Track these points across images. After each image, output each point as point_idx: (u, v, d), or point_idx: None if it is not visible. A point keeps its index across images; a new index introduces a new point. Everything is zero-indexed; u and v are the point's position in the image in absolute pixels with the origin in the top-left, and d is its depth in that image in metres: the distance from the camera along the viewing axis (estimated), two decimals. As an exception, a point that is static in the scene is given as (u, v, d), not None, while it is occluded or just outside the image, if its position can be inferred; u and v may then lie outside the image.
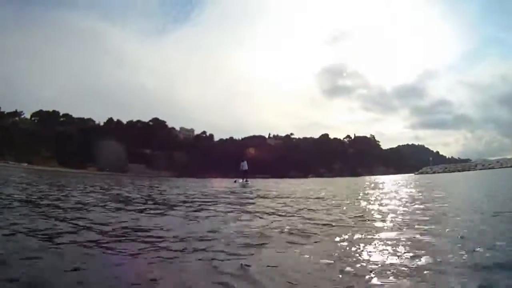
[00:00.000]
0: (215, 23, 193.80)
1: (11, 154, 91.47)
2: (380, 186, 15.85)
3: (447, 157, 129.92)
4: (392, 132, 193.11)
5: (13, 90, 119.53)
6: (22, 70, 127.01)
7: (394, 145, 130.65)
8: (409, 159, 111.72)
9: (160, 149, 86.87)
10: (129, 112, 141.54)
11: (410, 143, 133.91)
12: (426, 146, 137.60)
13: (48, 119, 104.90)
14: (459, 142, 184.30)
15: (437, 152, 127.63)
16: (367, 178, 52.60)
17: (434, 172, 68.74)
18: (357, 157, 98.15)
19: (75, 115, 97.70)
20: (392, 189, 12.12)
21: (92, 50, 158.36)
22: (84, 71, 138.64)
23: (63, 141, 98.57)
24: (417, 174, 72.16)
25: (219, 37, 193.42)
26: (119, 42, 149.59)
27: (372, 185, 17.56)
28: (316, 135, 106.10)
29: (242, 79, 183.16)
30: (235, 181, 22.28)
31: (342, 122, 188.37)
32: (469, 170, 63.18)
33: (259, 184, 21.22)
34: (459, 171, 65.58)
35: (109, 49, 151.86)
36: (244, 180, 22.11)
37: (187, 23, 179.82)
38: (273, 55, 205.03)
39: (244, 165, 22.63)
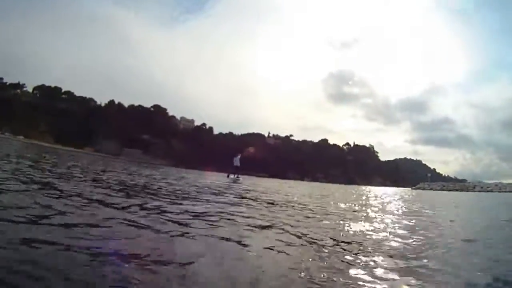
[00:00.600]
0: (227, 17, 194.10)
1: (9, 126, 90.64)
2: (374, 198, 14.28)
3: (443, 175, 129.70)
4: (391, 144, 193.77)
5: (22, 66, 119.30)
6: (33, 47, 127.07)
7: (392, 158, 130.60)
8: (406, 173, 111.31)
9: (159, 136, 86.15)
10: (133, 97, 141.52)
11: (408, 157, 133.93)
12: (423, 162, 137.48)
13: (49, 94, 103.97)
14: (457, 162, 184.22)
15: (434, 169, 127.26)
16: (363, 187, 51.84)
17: (431, 189, 68.18)
18: (355, 165, 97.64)
19: (78, 94, 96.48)
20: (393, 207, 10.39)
21: (103, 34, 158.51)
22: (93, 54, 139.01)
23: (62, 118, 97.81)
24: (414, 189, 71.63)
25: (230, 32, 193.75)
26: (131, 29, 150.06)
27: (366, 195, 16.50)
28: (317, 138, 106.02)
29: (248, 75, 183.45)
30: (228, 176, 22.02)
31: (343, 129, 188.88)
32: (467, 191, 62.59)
33: (249, 182, 20.35)
34: (457, 190, 65.07)
35: (120, 35, 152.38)
36: (235, 175, 21.73)
37: (200, 14, 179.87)
38: (282, 55, 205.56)
39: (237, 161, 21.97)
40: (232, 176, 21.88)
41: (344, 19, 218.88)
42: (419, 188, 72.30)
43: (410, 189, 76.16)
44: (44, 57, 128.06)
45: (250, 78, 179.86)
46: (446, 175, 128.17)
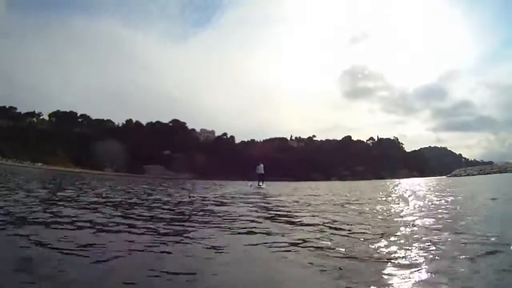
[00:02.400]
0: (236, 27, 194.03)
1: (26, 154, 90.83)
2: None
3: (469, 159, 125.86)
4: (413, 134, 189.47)
5: (35, 93, 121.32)
6: (44, 73, 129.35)
7: (416, 148, 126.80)
8: (432, 162, 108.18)
9: (180, 151, 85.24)
10: (150, 115, 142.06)
11: (432, 145, 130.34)
12: (449, 148, 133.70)
13: (65, 120, 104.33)
14: (481, 144, 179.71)
15: (460, 155, 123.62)
16: (396, 181, 49.52)
17: (468, 175, 65.52)
18: (381, 159, 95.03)
19: (94, 117, 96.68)
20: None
21: (114, 55, 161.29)
22: (106, 75, 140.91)
23: (79, 142, 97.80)
24: (449, 176, 68.92)
25: (240, 40, 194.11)
26: (141, 47, 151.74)
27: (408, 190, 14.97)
28: (338, 137, 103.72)
29: (263, 82, 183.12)
30: (250, 185, 21.56)
31: (363, 125, 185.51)
32: (505, 172, 60.73)
33: (275, 188, 19.32)
34: (495, 172, 62.83)
35: (131, 54, 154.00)
36: (259, 183, 21.23)
37: (208, 27, 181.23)
38: (294, 58, 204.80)
39: (260, 169, 21.48)
40: (256, 184, 21.46)
41: (352, 13, 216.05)
42: (455, 175, 69.53)
43: (445, 177, 73.49)
44: (58, 84, 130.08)
45: (266, 84, 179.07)
46: (472, 159, 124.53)
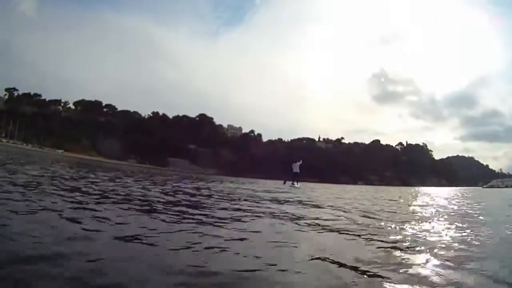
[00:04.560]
0: (267, 27, 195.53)
1: (49, 141, 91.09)
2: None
3: (496, 171, 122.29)
4: (441, 142, 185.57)
5: (65, 84, 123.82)
6: (74, 65, 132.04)
7: (443, 156, 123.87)
8: (460, 172, 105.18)
9: (206, 145, 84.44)
10: (177, 110, 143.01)
11: (460, 154, 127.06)
12: (476, 158, 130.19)
13: (90, 109, 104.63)
14: (507, 156, 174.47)
15: (487, 166, 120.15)
16: (424, 189, 46.92)
17: (506, 186, 63.20)
18: (409, 166, 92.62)
19: (123, 109, 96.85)
20: None
21: (144, 50, 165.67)
22: (135, 70, 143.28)
23: (104, 131, 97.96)
24: (485, 187, 66.64)
25: (271, 40, 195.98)
26: (172, 44, 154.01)
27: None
28: (366, 141, 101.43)
29: (292, 81, 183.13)
30: (284, 183, 20.93)
31: (391, 130, 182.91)
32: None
33: (311, 189, 17.96)
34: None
35: (162, 50, 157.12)
36: (293, 182, 20.15)
37: (240, 26, 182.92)
38: (324, 59, 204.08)
39: (296, 167, 20.38)
40: (290, 183, 20.16)
41: (383, 14, 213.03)
42: (492, 187, 67.34)
43: (481, 188, 71.02)
44: (87, 76, 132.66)
45: (294, 83, 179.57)
46: (499, 170, 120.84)
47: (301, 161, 20.91)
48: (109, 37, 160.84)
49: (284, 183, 20.90)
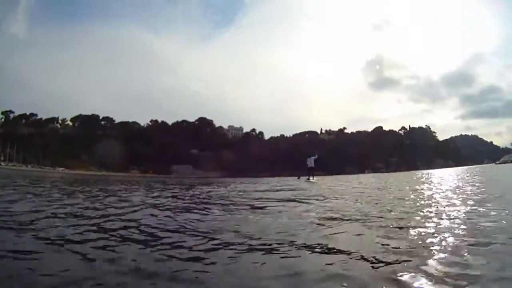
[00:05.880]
0: (259, 25, 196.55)
1: (49, 159, 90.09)
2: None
3: (501, 147, 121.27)
4: (442, 123, 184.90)
5: (60, 101, 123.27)
6: (68, 81, 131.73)
7: (446, 137, 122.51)
8: (465, 151, 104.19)
9: (208, 149, 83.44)
10: (176, 116, 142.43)
11: (463, 133, 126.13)
12: (479, 136, 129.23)
13: (88, 124, 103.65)
14: (510, 131, 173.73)
15: (491, 142, 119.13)
16: (435, 171, 45.63)
17: None
18: (414, 149, 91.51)
19: (120, 121, 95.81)
20: None
21: (138, 59, 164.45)
22: (130, 80, 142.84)
23: (103, 144, 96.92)
24: (498, 163, 65.64)
25: (264, 38, 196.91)
26: (165, 50, 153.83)
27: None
28: (368, 129, 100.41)
29: (289, 78, 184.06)
30: (298, 178, 20.99)
31: (391, 115, 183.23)
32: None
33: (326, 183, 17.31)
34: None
35: (155, 58, 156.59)
36: (309, 177, 20.00)
37: (231, 27, 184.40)
38: (318, 52, 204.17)
39: (311, 162, 20.39)
40: (305, 178, 20.30)
41: (374, 2, 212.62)
42: (505, 162, 66.40)
43: (493, 164, 70.00)
44: (82, 90, 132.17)
45: (291, 79, 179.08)
46: (504, 146, 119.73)
47: (316, 156, 20.98)
48: (102, 49, 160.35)
49: (298, 178, 20.61)
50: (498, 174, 18.44)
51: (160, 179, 39.35)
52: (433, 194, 7.24)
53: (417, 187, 10.14)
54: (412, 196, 6.80)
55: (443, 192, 7.62)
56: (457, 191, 7.56)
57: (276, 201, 6.63)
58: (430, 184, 11.26)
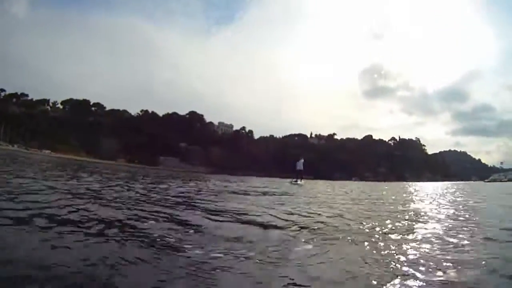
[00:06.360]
0: (258, 25, 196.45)
1: (36, 141, 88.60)
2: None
3: (489, 165, 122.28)
4: (433, 137, 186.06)
5: (55, 84, 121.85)
6: (65, 66, 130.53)
7: (435, 151, 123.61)
8: (453, 166, 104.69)
9: (196, 143, 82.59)
10: (169, 108, 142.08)
11: (452, 149, 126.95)
12: (468, 153, 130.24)
13: (78, 109, 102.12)
14: (500, 150, 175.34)
15: (479, 160, 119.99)
16: (422, 184, 45.13)
17: (509, 180, 62.05)
18: (403, 161, 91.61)
19: (112, 108, 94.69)
20: None
21: (136, 50, 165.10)
22: (127, 69, 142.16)
23: (93, 130, 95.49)
24: (487, 182, 65.48)
25: (262, 38, 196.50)
26: (163, 42, 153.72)
27: None
28: (358, 137, 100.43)
29: (284, 79, 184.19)
30: (291, 182, 20.71)
31: (382, 125, 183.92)
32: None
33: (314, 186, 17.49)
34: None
35: (153, 49, 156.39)
36: (297, 180, 20.38)
37: (231, 25, 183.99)
38: (315, 55, 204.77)
39: (300, 165, 20.94)
40: (294, 180, 20.51)
41: (373, 10, 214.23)
42: (494, 181, 66.18)
43: (482, 182, 69.86)
44: (77, 75, 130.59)
45: (286, 80, 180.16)
46: (492, 165, 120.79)
47: (302, 159, 21.44)
48: (100, 36, 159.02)
49: (291, 183, 20.23)
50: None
51: (145, 170, 38.36)
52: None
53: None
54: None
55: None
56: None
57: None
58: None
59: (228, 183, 13.58)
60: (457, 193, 11.78)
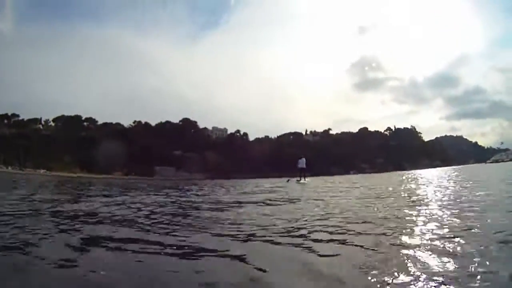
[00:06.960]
0: (244, 27, 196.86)
1: (31, 161, 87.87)
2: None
3: (485, 147, 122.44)
4: (427, 124, 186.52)
5: (44, 101, 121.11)
6: (53, 81, 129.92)
7: (432, 137, 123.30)
8: (450, 151, 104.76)
9: (191, 150, 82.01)
10: (161, 117, 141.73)
11: (447, 134, 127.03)
12: (464, 137, 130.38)
13: (70, 125, 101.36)
14: (495, 131, 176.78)
15: (476, 143, 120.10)
16: (422, 172, 44.63)
17: (511, 160, 61.92)
18: (400, 150, 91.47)
19: (104, 121, 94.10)
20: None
21: (124, 60, 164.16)
22: (116, 81, 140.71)
23: (86, 146, 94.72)
24: (489, 162, 65.31)
25: (250, 40, 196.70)
26: (151, 51, 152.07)
27: None
28: (353, 130, 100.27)
29: (274, 79, 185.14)
30: (296, 181, 20.70)
31: (376, 117, 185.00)
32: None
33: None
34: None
35: (141, 58, 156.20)
36: (300, 178, 20.58)
37: (217, 29, 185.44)
38: (304, 53, 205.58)
39: (302, 163, 21.34)
40: (294, 179, 20.79)
41: (359, 3, 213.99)
42: (496, 161, 66.14)
43: (484, 164, 69.38)
44: (67, 91, 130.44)
45: (277, 81, 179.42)
46: (489, 146, 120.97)
47: (304, 158, 21.84)
48: (88, 50, 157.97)
49: (296, 181, 20.12)
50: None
51: (141, 182, 37.94)
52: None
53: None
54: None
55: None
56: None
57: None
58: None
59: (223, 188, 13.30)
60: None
